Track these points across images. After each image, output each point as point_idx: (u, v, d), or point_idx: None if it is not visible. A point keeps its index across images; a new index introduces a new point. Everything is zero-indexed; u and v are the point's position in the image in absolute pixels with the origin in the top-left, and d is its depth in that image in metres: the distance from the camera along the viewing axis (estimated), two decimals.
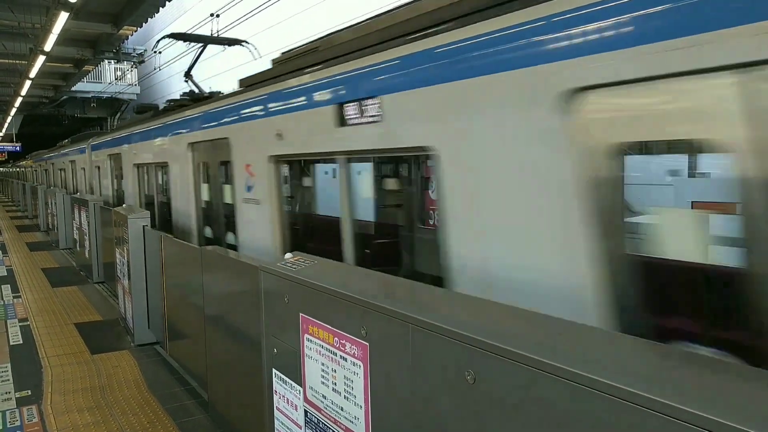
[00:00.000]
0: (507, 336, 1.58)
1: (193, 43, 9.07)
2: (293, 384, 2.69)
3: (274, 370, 2.88)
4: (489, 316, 1.84)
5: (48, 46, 13.18)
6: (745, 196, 1.77)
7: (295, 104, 4.22)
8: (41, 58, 14.49)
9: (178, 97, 8.05)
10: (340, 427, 2.32)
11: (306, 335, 2.54)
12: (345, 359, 2.25)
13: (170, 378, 5.31)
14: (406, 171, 5.33)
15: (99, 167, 12.18)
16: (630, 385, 1.23)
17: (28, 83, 18.33)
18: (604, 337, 1.59)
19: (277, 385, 2.86)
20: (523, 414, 1.48)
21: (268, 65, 5.14)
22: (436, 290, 2.23)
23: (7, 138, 35.73)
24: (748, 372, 1.30)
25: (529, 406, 1.46)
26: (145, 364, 5.70)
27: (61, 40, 13.17)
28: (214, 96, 6.87)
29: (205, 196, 6.63)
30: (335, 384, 2.33)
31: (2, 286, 9.36)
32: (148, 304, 6.26)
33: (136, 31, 17.02)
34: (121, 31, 15.48)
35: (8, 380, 5.25)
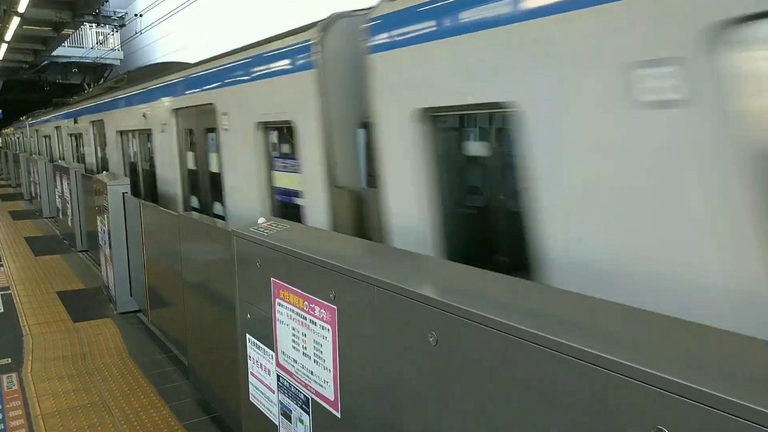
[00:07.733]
0: (468, 298, 1.54)
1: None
2: (266, 349, 2.67)
3: (247, 336, 2.86)
4: (453, 278, 1.80)
5: (21, 8, 12.72)
6: None
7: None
8: (15, 20, 14.00)
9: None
10: (310, 391, 2.31)
11: (277, 300, 2.50)
12: (314, 323, 2.22)
13: (152, 345, 5.29)
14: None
15: (31, 136, 21.67)
16: (589, 347, 1.20)
17: (4, 47, 17.76)
18: (572, 299, 1.55)
19: (251, 350, 2.84)
20: (484, 375, 1.45)
21: None
22: (406, 253, 2.19)
23: None
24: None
25: (490, 367, 1.43)
26: (127, 331, 5.68)
27: (39, 1, 12.72)
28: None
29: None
30: (305, 348, 2.31)
31: None
32: (129, 272, 6.20)
33: None
34: None
35: None
